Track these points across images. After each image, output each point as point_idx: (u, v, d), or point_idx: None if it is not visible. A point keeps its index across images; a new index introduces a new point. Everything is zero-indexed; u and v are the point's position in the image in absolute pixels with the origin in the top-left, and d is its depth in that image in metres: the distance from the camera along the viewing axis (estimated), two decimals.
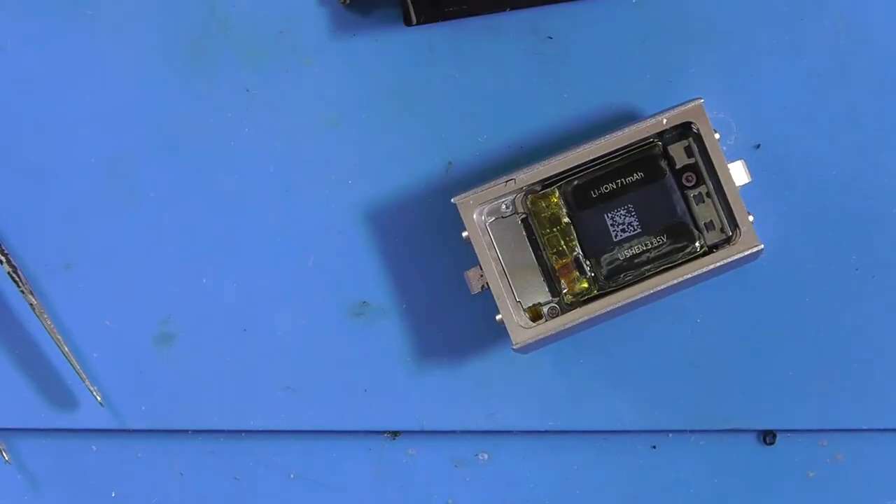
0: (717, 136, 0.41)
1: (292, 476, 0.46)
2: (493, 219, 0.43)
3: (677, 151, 0.42)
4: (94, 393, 0.45)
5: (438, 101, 0.45)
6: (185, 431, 0.46)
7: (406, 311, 0.45)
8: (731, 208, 0.41)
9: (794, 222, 0.44)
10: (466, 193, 0.42)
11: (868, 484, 0.45)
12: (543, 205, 0.42)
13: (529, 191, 0.43)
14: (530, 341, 0.42)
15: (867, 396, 0.45)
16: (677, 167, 0.42)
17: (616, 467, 0.45)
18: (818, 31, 0.44)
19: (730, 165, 0.42)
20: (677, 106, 0.42)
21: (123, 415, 0.46)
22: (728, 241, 0.42)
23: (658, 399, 0.45)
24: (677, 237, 0.42)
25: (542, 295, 0.42)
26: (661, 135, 0.42)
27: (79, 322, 0.46)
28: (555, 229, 0.42)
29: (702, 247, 0.42)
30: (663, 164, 0.42)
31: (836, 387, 0.45)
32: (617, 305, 0.41)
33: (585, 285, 0.42)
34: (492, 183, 0.42)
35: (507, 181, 0.42)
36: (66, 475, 0.46)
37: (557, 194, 0.42)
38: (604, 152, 0.42)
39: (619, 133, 0.42)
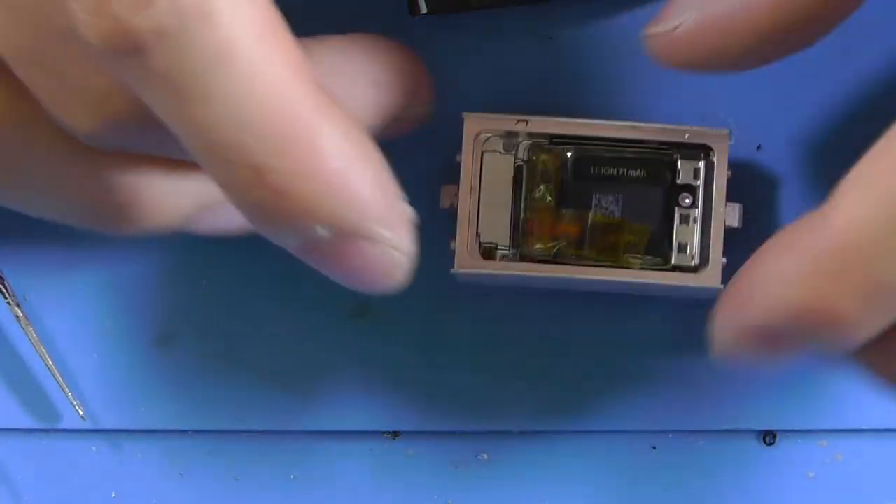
0: (729, 173, 0.41)
1: (292, 476, 0.46)
2: (491, 152, 0.42)
3: (686, 168, 0.42)
4: (77, 407, 0.45)
5: (438, 101, 0.45)
6: (185, 431, 0.46)
7: (406, 312, 0.45)
8: (710, 243, 0.41)
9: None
10: (479, 114, 0.42)
11: (868, 484, 0.45)
12: (544, 158, 0.42)
13: (536, 142, 0.42)
14: (471, 272, 0.42)
15: (867, 396, 0.45)
16: (679, 182, 0.42)
17: (616, 468, 0.45)
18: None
19: (728, 204, 0.42)
20: (705, 127, 0.42)
21: (123, 416, 0.46)
22: (692, 269, 0.42)
23: (658, 399, 0.45)
24: (649, 245, 0.42)
25: (502, 240, 0.42)
26: (677, 146, 0.42)
27: (79, 322, 0.46)
28: (542, 186, 0.42)
29: (666, 263, 0.42)
30: (668, 174, 0.42)
31: (836, 387, 0.45)
32: (565, 277, 0.42)
33: (542, 245, 0.42)
34: (505, 115, 0.42)
35: (519, 120, 0.42)
36: (66, 476, 0.46)
37: (560, 155, 0.42)
38: (621, 136, 0.42)
39: (644, 125, 0.42)
